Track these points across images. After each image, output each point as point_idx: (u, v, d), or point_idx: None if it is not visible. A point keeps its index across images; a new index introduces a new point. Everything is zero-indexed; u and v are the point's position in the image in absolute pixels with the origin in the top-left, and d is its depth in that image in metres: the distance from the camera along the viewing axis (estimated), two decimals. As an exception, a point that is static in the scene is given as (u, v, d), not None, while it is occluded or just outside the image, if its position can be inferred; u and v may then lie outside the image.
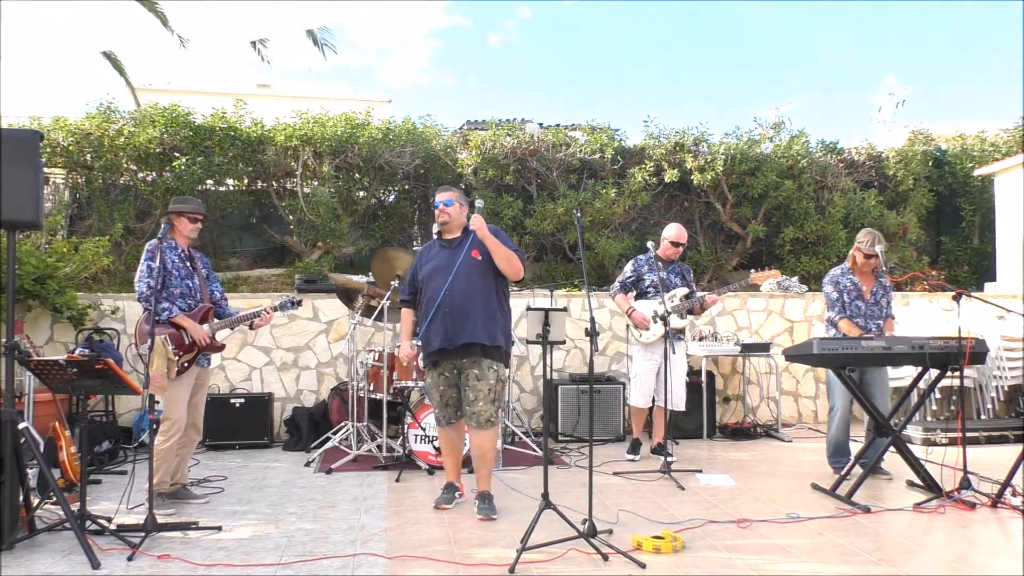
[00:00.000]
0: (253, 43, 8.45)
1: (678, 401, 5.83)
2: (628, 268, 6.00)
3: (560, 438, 6.63)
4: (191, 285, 4.65)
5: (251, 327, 4.96)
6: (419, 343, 4.48)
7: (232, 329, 5.17)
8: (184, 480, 4.75)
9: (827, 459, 5.37)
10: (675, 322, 5.71)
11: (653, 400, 5.95)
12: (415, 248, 9.24)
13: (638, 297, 5.93)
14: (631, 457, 5.92)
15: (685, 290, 5.86)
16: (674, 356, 5.74)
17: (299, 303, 4.95)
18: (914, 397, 5.42)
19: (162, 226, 4.41)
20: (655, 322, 5.70)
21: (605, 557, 3.54)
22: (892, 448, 4.80)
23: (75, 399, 5.82)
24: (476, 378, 4.31)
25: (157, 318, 4.45)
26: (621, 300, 5.90)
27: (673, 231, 5.91)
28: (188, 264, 4.68)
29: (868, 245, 5.19)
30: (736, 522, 4.17)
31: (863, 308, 5.29)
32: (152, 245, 4.50)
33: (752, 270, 5.75)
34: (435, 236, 4.63)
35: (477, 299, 4.29)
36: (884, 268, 5.19)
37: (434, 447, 5.50)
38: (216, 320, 4.74)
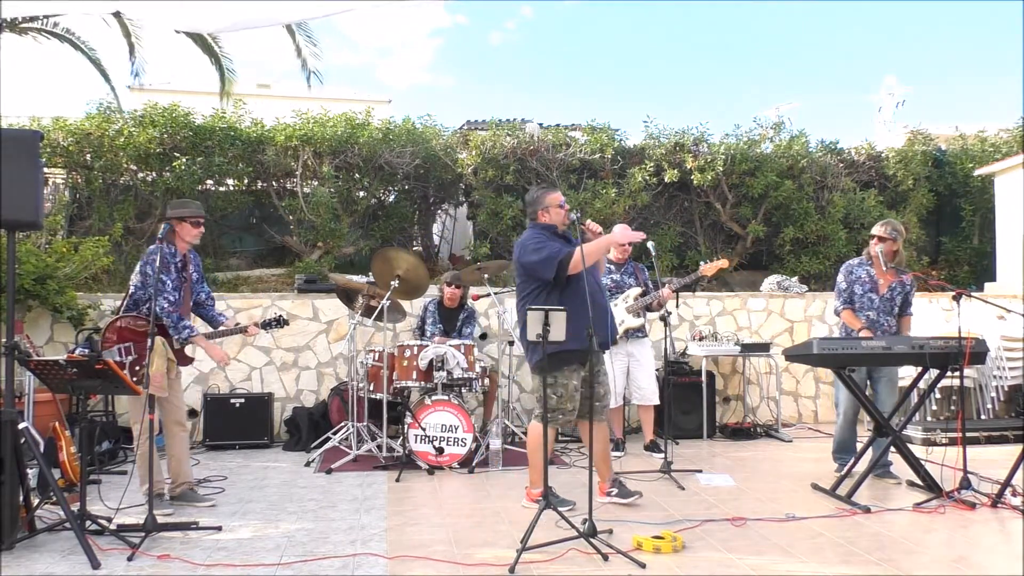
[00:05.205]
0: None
1: (650, 395, 6.03)
2: None
3: (560, 438, 6.63)
4: (178, 297, 4.57)
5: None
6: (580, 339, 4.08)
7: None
8: (190, 480, 4.69)
9: (832, 454, 5.44)
10: (631, 321, 5.90)
11: (626, 400, 6.19)
12: (415, 248, 9.26)
13: None
14: (615, 455, 5.96)
15: (638, 290, 6.00)
16: (639, 353, 5.98)
17: (286, 323, 4.93)
18: (914, 397, 5.42)
19: (162, 227, 4.32)
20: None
21: (605, 557, 3.54)
22: (891, 448, 4.81)
23: (75, 399, 5.81)
24: (604, 373, 4.48)
25: (178, 336, 4.44)
26: None
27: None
28: (182, 273, 4.60)
29: (882, 229, 5.12)
30: (736, 522, 4.17)
31: (876, 302, 5.20)
32: (155, 250, 4.38)
33: (701, 262, 5.84)
34: (548, 231, 4.41)
35: None
36: (888, 266, 5.14)
37: (434, 447, 5.50)
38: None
